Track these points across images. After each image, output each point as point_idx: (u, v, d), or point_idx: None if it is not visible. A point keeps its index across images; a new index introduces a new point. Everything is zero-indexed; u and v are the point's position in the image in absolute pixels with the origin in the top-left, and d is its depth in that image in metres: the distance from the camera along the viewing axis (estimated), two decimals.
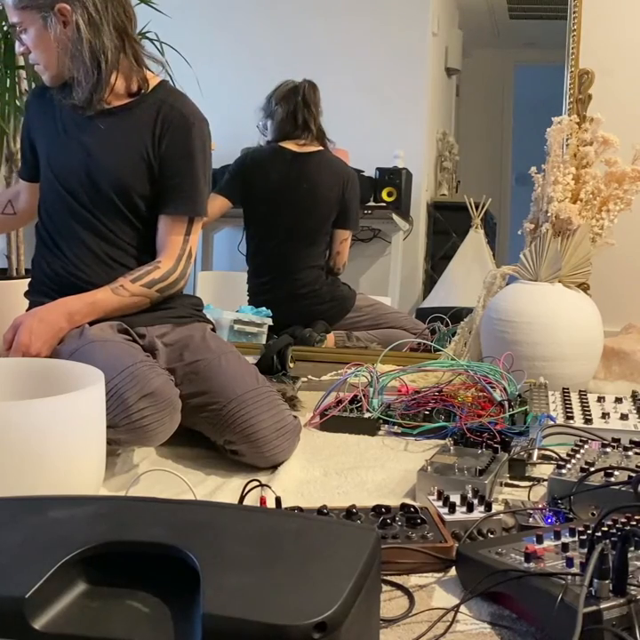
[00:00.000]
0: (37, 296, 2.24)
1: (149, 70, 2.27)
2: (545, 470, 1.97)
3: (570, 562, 1.27)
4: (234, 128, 3.86)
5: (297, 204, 3.72)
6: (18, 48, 2.25)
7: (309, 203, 3.72)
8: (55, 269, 2.24)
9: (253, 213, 3.80)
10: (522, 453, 2.01)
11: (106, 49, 2.13)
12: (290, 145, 3.70)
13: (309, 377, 3.06)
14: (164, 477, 1.80)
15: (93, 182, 2.19)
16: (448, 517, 1.58)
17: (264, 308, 3.59)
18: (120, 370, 1.89)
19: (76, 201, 2.21)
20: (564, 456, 1.89)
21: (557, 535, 1.39)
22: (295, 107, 3.70)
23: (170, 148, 2.19)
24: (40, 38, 2.16)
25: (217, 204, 3.63)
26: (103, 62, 2.13)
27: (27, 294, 2.32)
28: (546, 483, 1.83)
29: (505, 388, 2.44)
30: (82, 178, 2.20)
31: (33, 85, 3.14)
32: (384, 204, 3.93)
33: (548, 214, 2.93)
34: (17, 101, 3.33)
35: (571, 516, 1.59)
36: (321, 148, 3.73)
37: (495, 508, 1.64)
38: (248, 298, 3.76)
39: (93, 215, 2.21)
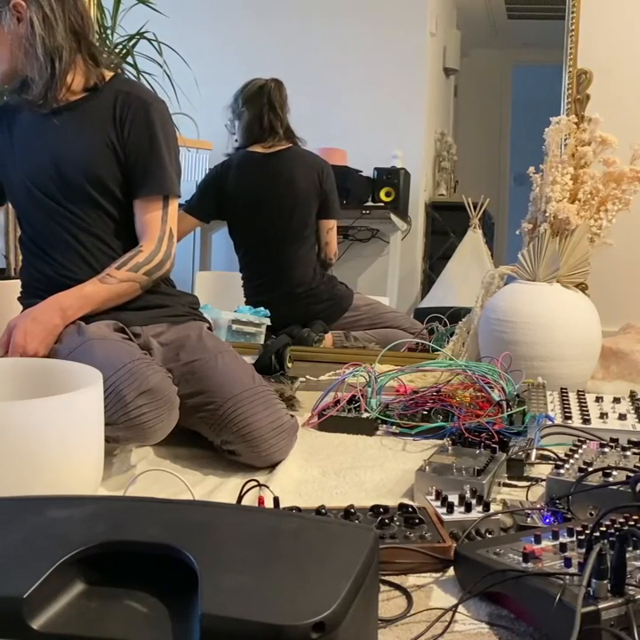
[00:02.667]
0: (30, 298, 2.25)
1: (108, 69, 2.29)
2: (543, 470, 1.97)
3: (568, 562, 1.27)
4: None
5: (277, 204, 3.73)
6: None
7: (289, 200, 3.72)
8: (44, 272, 2.25)
9: (236, 223, 3.81)
10: (520, 453, 2.01)
11: (60, 48, 2.15)
12: (257, 148, 3.71)
13: (307, 377, 3.06)
14: (162, 477, 1.80)
15: (64, 177, 2.20)
16: (446, 517, 1.58)
17: (262, 308, 3.59)
18: (118, 367, 1.89)
19: (53, 200, 2.22)
20: (562, 456, 1.90)
21: (555, 535, 1.39)
22: (261, 109, 3.71)
23: (133, 132, 2.21)
24: None
25: (185, 223, 3.64)
26: (57, 60, 2.15)
27: (20, 299, 2.32)
28: (544, 483, 1.84)
29: (503, 388, 2.44)
30: (53, 175, 2.21)
31: None
32: (382, 204, 3.94)
33: (547, 214, 2.93)
34: None
35: (569, 516, 1.59)
36: (290, 144, 3.73)
37: (493, 508, 1.64)
38: (245, 299, 3.76)
39: (71, 211, 2.21)
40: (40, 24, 2.13)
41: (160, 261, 2.21)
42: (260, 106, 3.71)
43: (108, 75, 2.28)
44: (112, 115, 2.21)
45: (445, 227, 4.09)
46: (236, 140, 3.80)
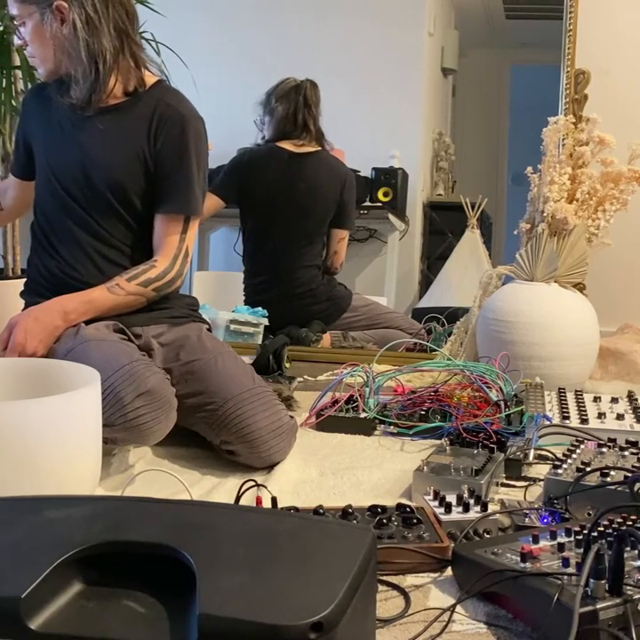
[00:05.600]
0: (32, 296, 2.25)
1: (148, 70, 2.27)
2: (541, 470, 1.97)
3: (566, 562, 1.27)
4: (230, 128, 3.86)
5: (294, 205, 3.71)
6: (16, 40, 2.25)
7: (307, 203, 3.71)
8: (50, 269, 2.24)
9: (250, 213, 3.79)
10: (518, 453, 2.01)
11: (104, 50, 2.13)
12: (287, 145, 3.69)
13: (305, 377, 3.06)
14: (160, 477, 1.80)
15: (89, 180, 2.19)
16: (444, 517, 1.58)
17: (260, 308, 3.59)
18: (116, 368, 1.89)
19: (73, 199, 2.21)
20: (560, 456, 1.90)
21: (553, 535, 1.39)
22: (296, 106, 3.68)
23: (165, 145, 2.19)
24: (36, 33, 2.16)
25: (210, 202, 3.61)
26: (101, 63, 2.13)
27: (22, 294, 2.32)
28: (542, 483, 1.84)
29: (501, 388, 2.44)
30: (78, 176, 2.20)
31: (29, 86, 3.14)
32: (380, 204, 3.94)
33: (544, 214, 2.93)
34: (13, 101, 3.33)
35: (567, 516, 1.59)
36: (318, 148, 3.72)
37: (491, 508, 1.64)
38: (244, 298, 3.75)
39: (89, 214, 2.21)
40: (83, 26, 2.11)
41: (171, 279, 2.21)
42: (295, 103, 3.68)
43: (150, 80, 2.26)
44: (148, 125, 2.19)
45: (443, 227, 4.09)
46: (263, 138, 3.78)
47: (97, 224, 2.21)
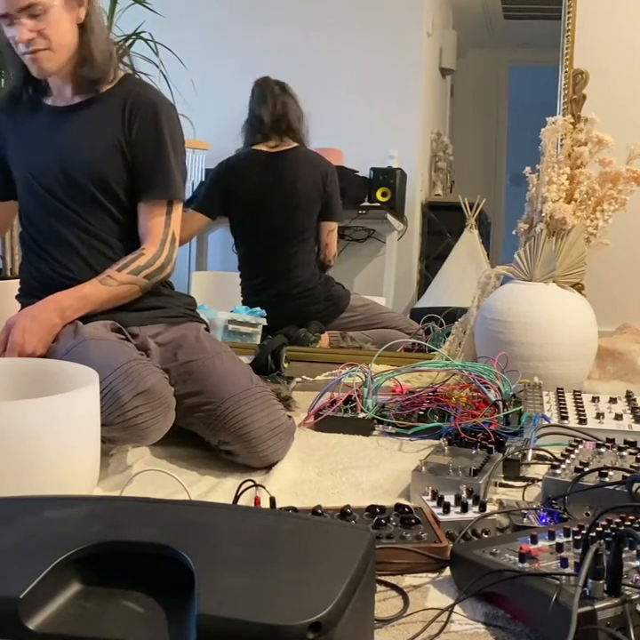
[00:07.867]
0: (28, 298, 2.25)
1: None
2: (539, 470, 1.97)
3: (564, 562, 1.27)
4: (228, 128, 3.86)
5: (280, 204, 3.72)
6: (21, 34, 2.17)
7: (292, 200, 3.72)
8: (42, 271, 2.24)
9: (238, 219, 3.81)
10: (516, 453, 2.01)
11: (111, 42, 2.22)
12: (262, 147, 3.71)
13: (304, 377, 3.06)
14: (158, 477, 1.80)
15: (69, 177, 2.20)
16: (442, 517, 1.58)
17: (258, 308, 3.59)
18: (114, 368, 1.89)
19: (56, 199, 2.22)
20: (558, 456, 1.90)
21: (552, 535, 1.39)
22: (260, 107, 3.71)
23: (140, 133, 2.22)
24: (58, 18, 2.14)
25: (195, 220, 3.65)
26: (113, 46, 2.23)
27: (18, 297, 2.32)
28: (540, 483, 1.84)
29: (499, 389, 2.44)
30: (58, 174, 2.21)
31: None
32: (378, 204, 3.94)
33: (543, 214, 2.93)
34: None
35: (565, 517, 1.59)
36: (295, 144, 3.73)
37: (489, 508, 1.64)
38: (242, 299, 3.76)
39: (74, 211, 2.21)
40: (99, 10, 2.21)
41: (161, 265, 2.21)
42: (259, 104, 3.71)
43: (119, 74, 2.28)
44: (121, 115, 2.21)
45: (442, 227, 4.09)
46: (245, 144, 3.80)
47: (83, 220, 2.22)
